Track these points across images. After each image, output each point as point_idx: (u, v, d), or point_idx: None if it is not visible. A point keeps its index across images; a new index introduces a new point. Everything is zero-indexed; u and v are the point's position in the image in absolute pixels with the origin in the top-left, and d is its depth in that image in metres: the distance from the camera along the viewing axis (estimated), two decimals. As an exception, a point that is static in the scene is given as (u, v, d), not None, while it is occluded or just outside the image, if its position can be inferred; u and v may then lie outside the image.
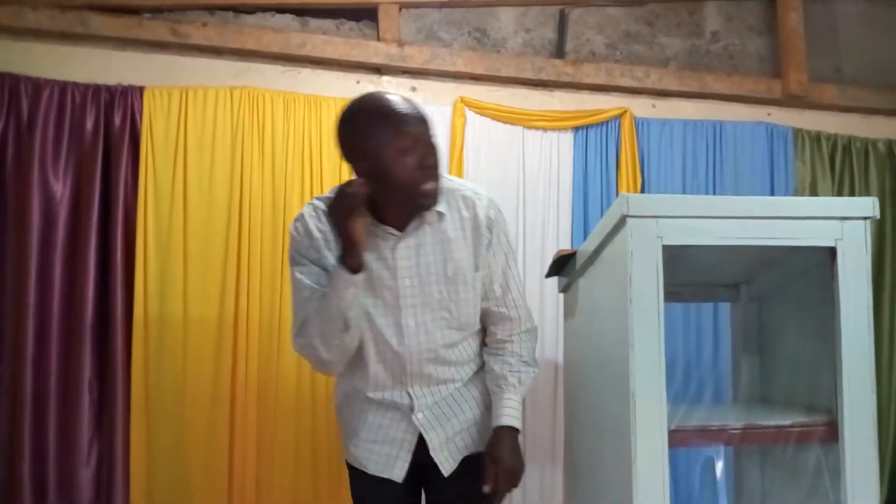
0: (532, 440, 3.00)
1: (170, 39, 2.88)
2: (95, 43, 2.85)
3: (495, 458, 1.64)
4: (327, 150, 2.92)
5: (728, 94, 3.35)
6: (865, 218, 1.65)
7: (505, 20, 3.29)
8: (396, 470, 1.68)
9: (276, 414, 2.81)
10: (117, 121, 2.77)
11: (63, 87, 2.75)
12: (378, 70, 3.10)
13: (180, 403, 2.74)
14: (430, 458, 1.68)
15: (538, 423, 3.02)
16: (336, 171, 2.92)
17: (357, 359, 1.67)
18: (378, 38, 3.10)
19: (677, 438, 1.63)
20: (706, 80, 3.34)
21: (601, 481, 1.83)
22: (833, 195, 3.32)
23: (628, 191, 3.13)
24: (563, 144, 3.18)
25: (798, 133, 3.38)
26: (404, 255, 1.62)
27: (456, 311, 1.66)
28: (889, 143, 3.47)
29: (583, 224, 3.14)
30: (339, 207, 1.53)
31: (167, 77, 2.88)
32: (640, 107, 3.28)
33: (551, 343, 3.04)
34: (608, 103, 3.26)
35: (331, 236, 1.62)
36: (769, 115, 3.40)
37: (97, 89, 2.78)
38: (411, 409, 1.68)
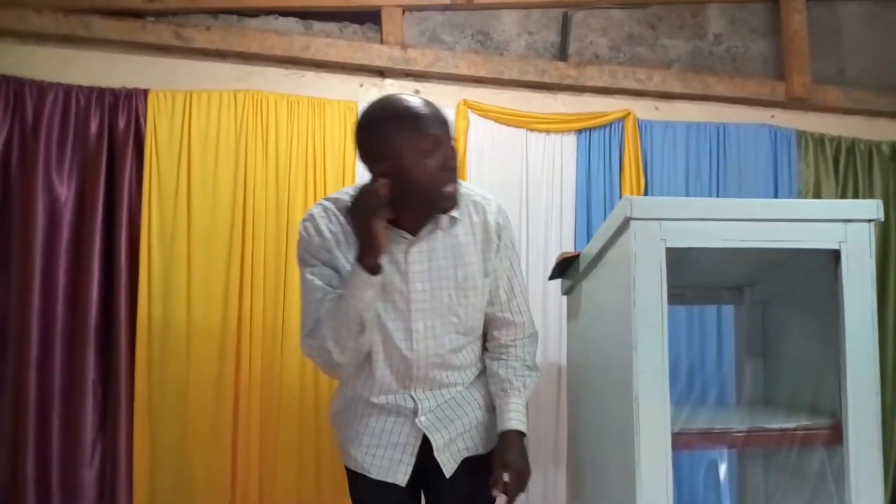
0: (535, 442, 2.99)
1: (173, 43, 2.89)
2: (99, 46, 2.86)
3: (506, 463, 1.64)
4: (331, 152, 2.93)
5: (731, 96, 3.35)
6: (869, 220, 1.65)
7: (508, 23, 3.29)
8: (400, 474, 1.68)
9: (280, 415, 2.81)
10: (121, 124, 2.78)
11: (67, 90, 2.75)
12: (381, 73, 3.10)
13: (184, 405, 2.74)
14: (430, 461, 1.68)
15: (541, 425, 3.02)
16: (339, 174, 2.92)
17: (363, 362, 1.66)
18: (381, 41, 3.10)
19: (681, 441, 1.63)
20: (709, 83, 3.34)
21: (604, 484, 1.83)
22: (837, 198, 3.31)
23: (631, 193, 3.13)
24: (566, 147, 3.18)
25: (801, 135, 3.37)
26: (416, 260, 1.61)
27: (464, 316, 1.66)
28: (893, 145, 3.47)
29: (586, 226, 3.13)
30: (362, 206, 1.51)
31: (171, 80, 2.88)
32: (644, 109, 3.28)
33: (554, 345, 3.04)
34: (611, 106, 3.25)
35: (342, 237, 1.60)
36: (772, 117, 3.40)
37: (101, 92, 2.79)
38: (415, 412, 1.67)
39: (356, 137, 1.57)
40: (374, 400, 1.68)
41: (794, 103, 3.39)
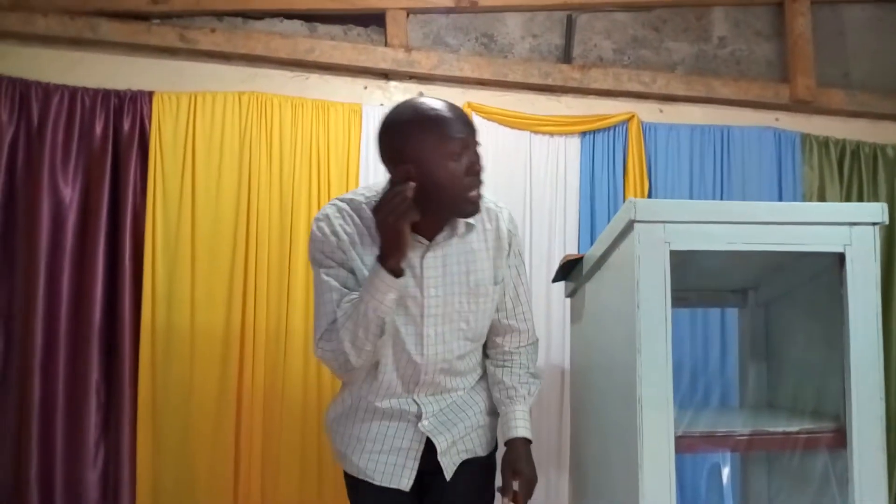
0: (538, 444, 2.94)
1: (179, 45, 2.90)
2: (105, 48, 2.87)
3: (516, 471, 1.64)
4: (335, 155, 2.93)
5: (735, 99, 3.34)
6: (874, 223, 1.65)
7: (512, 25, 3.29)
8: (404, 480, 1.67)
9: (282, 418, 2.81)
10: (126, 126, 2.79)
11: (73, 92, 2.76)
12: (386, 75, 3.11)
13: (187, 407, 2.75)
14: (430, 465, 1.68)
15: (544, 427, 3.01)
16: (343, 176, 2.92)
17: (368, 366, 1.65)
18: (386, 44, 3.11)
19: (684, 444, 1.62)
20: (713, 85, 3.34)
21: (607, 486, 1.83)
22: (841, 200, 3.30)
23: (635, 196, 3.12)
24: (570, 149, 3.18)
25: (806, 138, 3.36)
26: (431, 265, 1.60)
27: (474, 322, 1.66)
28: (897, 147, 3.46)
29: (590, 229, 3.13)
30: (389, 207, 1.46)
31: (176, 82, 2.89)
32: (648, 112, 3.28)
33: (558, 348, 3.03)
34: (615, 108, 3.25)
35: (357, 238, 1.59)
36: (777, 120, 3.40)
37: (106, 94, 2.79)
38: (418, 416, 1.67)
39: (380, 139, 1.54)
40: (378, 404, 1.68)
41: (798, 106, 3.39)
